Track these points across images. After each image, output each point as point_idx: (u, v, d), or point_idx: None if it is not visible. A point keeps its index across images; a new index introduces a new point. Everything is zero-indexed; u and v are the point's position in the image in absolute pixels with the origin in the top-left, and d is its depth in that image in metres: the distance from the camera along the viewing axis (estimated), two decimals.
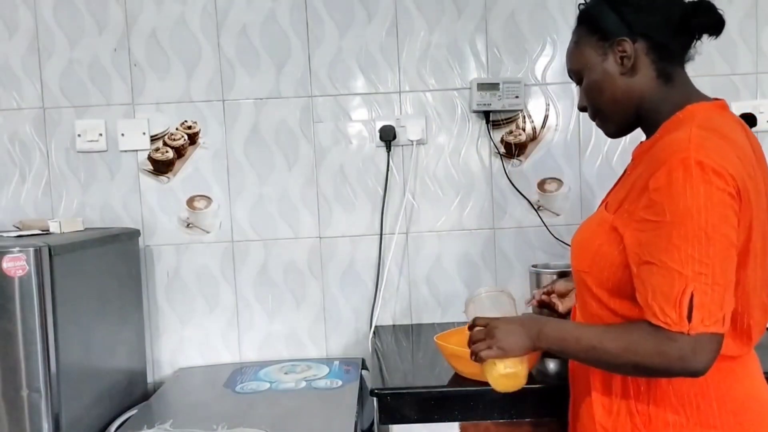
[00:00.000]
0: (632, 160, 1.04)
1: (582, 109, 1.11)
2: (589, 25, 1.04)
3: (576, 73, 1.08)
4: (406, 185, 1.85)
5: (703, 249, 0.84)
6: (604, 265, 0.98)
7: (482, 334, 1.05)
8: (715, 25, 0.98)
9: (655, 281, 0.87)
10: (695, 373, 0.86)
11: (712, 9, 0.98)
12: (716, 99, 1.01)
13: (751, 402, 0.96)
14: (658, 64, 1.00)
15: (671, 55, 1.00)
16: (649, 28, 0.98)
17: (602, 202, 1.09)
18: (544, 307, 1.35)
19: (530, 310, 1.41)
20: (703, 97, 1.00)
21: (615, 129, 1.08)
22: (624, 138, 1.80)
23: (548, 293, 1.35)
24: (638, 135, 1.00)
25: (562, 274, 1.48)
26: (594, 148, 1.85)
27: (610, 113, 1.05)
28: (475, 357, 1.05)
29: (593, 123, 1.12)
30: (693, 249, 0.84)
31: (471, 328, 1.10)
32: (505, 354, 1.03)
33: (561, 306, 1.31)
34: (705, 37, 1.00)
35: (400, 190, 1.85)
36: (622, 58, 1.00)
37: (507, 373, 1.05)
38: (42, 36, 1.82)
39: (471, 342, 1.07)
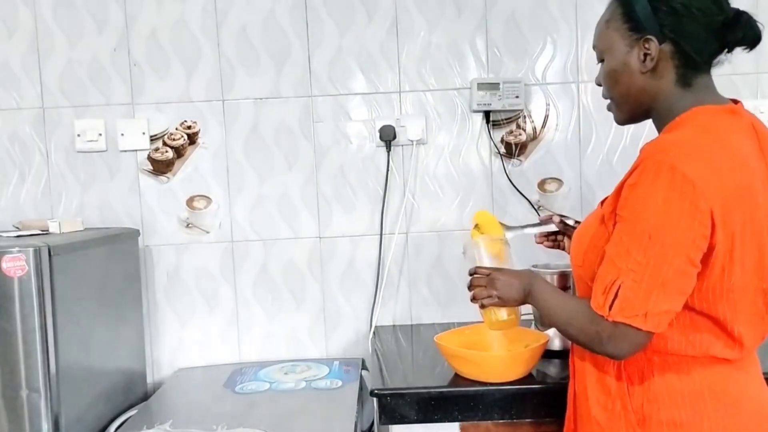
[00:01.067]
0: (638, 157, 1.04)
1: (599, 84, 1.11)
2: (624, 8, 1.00)
3: (599, 51, 1.07)
4: (406, 185, 1.85)
5: (642, 249, 0.88)
6: (595, 258, 0.98)
7: (484, 282, 1.15)
8: (752, 39, 0.96)
9: (601, 270, 0.94)
10: (612, 356, 0.95)
11: (753, 24, 0.95)
12: (732, 100, 1.00)
13: (746, 403, 0.96)
14: (679, 70, 0.98)
15: (696, 64, 0.98)
16: (680, 35, 0.96)
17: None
18: (558, 233, 1.36)
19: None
20: (718, 101, 0.99)
21: (623, 118, 1.09)
22: (624, 138, 1.82)
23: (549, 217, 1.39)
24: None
25: (563, 276, 1.48)
26: (594, 148, 1.85)
27: (621, 104, 1.06)
28: (475, 301, 1.17)
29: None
30: (633, 246, 0.89)
31: (472, 274, 1.19)
32: (503, 304, 1.15)
33: (571, 220, 1.36)
34: (738, 49, 0.98)
35: (400, 190, 1.85)
36: (645, 56, 0.98)
37: (506, 320, 1.19)
38: (42, 36, 1.82)
39: (471, 286, 1.18)
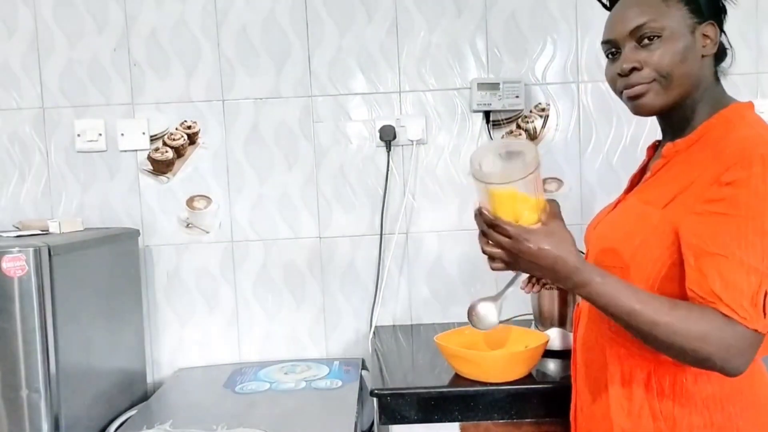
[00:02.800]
0: (662, 157, 1.00)
1: (628, 71, 0.98)
2: None
3: (652, 28, 0.96)
4: (406, 185, 1.85)
5: None
6: (646, 261, 0.95)
7: (507, 245, 0.88)
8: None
9: (726, 274, 0.84)
10: (738, 372, 0.85)
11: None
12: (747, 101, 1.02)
13: None
14: (717, 61, 1.01)
15: (724, 56, 1.02)
16: (721, 26, 1.00)
17: (618, 200, 1.08)
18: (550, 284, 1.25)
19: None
20: (734, 101, 1.01)
21: (664, 103, 0.98)
22: (624, 138, 1.82)
23: None
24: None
25: None
26: (594, 148, 1.85)
27: (675, 86, 0.97)
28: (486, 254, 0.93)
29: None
30: (766, 244, 0.83)
31: (479, 213, 0.92)
32: (528, 273, 0.94)
33: None
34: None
35: (400, 190, 1.85)
36: (705, 41, 0.98)
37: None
38: (42, 36, 1.82)
39: (488, 243, 0.92)
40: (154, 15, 1.81)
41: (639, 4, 0.98)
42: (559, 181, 1.85)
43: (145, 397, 1.75)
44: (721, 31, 1.00)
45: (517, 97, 1.79)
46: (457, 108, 1.84)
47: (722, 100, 1.00)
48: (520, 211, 0.88)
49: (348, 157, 1.85)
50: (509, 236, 0.88)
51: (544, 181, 1.85)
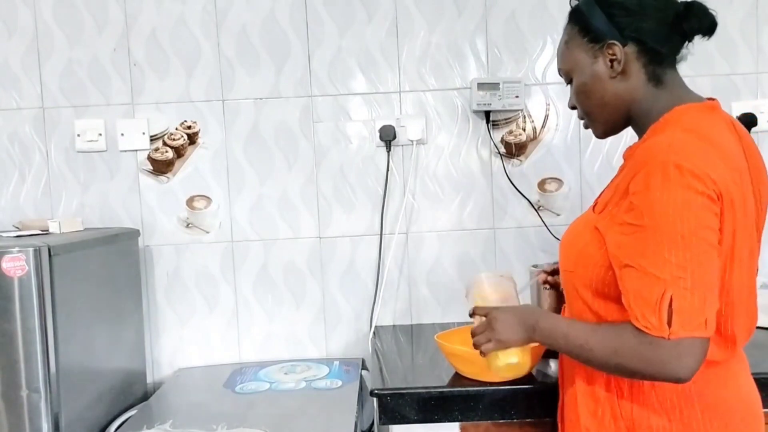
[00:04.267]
0: (623, 161, 1.03)
1: (573, 107, 1.11)
2: (579, 25, 1.03)
3: (566, 72, 1.08)
4: (406, 185, 1.85)
5: (680, 253, 0.83)
6: (588, 265, 0.98)
7: (483, 327, 1.07)
8: (708, 27, 0.98)
9: (635, 285, 0.87)
10: (679, 380, 0.85)
11: (705, 11, 0.97)
12: (709, 99, 1.00)
13: (737, 405, 0.96)
14: (648, 68, 0.99)
15: (662, 58, 0.99)
16: (640, 33, 0.98)
17: (594, 202, 1.09)
18: (549, 285, 1.31)
19: (530, 290, 1.40)
20: (694, 98, 0.99)
21: (602, 130, 1.08)
22: (625, 138, 1.81)
23: (551, 272, 1.31)
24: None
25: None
26: (594, 148, 1.85)
27: (599, 115, 1.05)
28: (476, 348, 1.08)
29: None
30: (670, 253, 0.84)
31: (472, 315, 1.13)
32: (505, 346, 1.05)
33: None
34: (698, 37, 1.00)
35: (400, 190, 1.85)
36: (612, 61, 0.99)
37: (508, 364, 1.07)
38: (41, 36, 1.82)
39: (473, 334, 1.10)
40: (154, 15, 1.81)
41: (559, 52, 1.09)
42: (559, 181, 1.86)
43: (145, 397, 1.75)
44: (638, 37, 0.98)
45: (517, 97, 1.79)
46: (457, 108, 1.84)
47: (673, 101, 0.98)
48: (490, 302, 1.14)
49: (348, 157, 1.85)
50: (485, 314, 1.09)
51: (545, 180, 1.85)
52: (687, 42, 1.00)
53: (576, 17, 1.04)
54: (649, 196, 0.86)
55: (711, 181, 0.85)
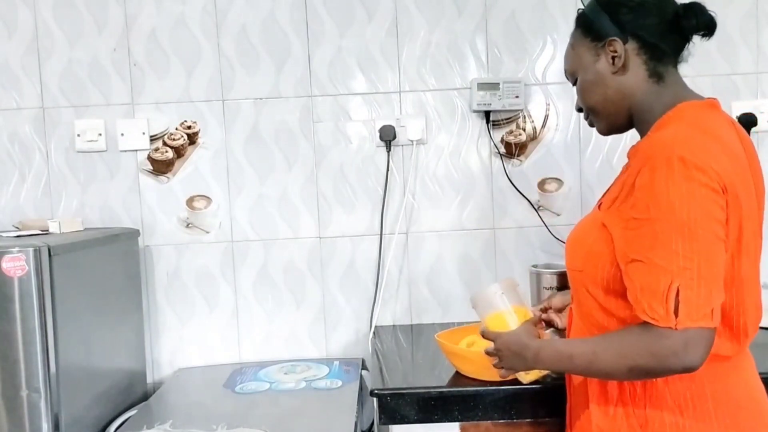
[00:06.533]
0: (627, 160, 1.04)
1: (579, 110, 1.13)
2: (584, 27, 1.06)
3: (571, 74, 1.11)
4: (406, 185, 1.85)
5: (687, 244, 0.84)
6: (597, 263, 0.98)
7: (493, 353, 1.14)
8: (706, 26, 0.99)
9: (642, 278, 0.87)
10: (688, 369, 0.86)
11: (703, 11, 0.99)
12: (709, 98, 1.01)
13: (747, 402, 0.96)
14: (649, 64, 1.01)
15: (662, 54, 1.01)
16: (640, 29, 1.00)
17: (598, 201, 1.09)
18: (546, 325, 1.31)
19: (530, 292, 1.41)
20: (695, 96, 1.01)
21: (606, 127, 1.09)
22: (625, 138, 1.82)
23: (545, 309, 1.31)
24: (638, 135, 1.00)
25: (562, 276, 1.48)
26: (594, 148, 1.85)
27: (602, 111, 1.07)
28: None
29: None
30: (676, 244, 0.85)
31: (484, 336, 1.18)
32: (517, 371, 1.13)
33: (560, 322, 1.28)
34: (698, 37, 1.01)
35: (400, 190, 1.85)
36: (613, 57, 1.02)
37: (529, 375, 1.19)
38: (41, 36, 1.82)
39: (489, 354, 1.16)
40: (154, 15, 1.81)
41: (565, 55, 1.12)
42: (559, 181, 1.86)
43: (145, 397, 1.75)
44: (639, 33, 1.00)
45: (517, 97, 1.79)
46: (457, 108, 1.84)
47: (675, 99, 0.99)
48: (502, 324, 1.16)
49: (348, 157, 1.85)
50: (493, 339, 1.13)
51: (545, 181, 1.85)
52: (687, 42, 1.02)
53: (581, 21, 1.08)
54: (654, 189, 0.87)
55: (715, 174, 0.86)
